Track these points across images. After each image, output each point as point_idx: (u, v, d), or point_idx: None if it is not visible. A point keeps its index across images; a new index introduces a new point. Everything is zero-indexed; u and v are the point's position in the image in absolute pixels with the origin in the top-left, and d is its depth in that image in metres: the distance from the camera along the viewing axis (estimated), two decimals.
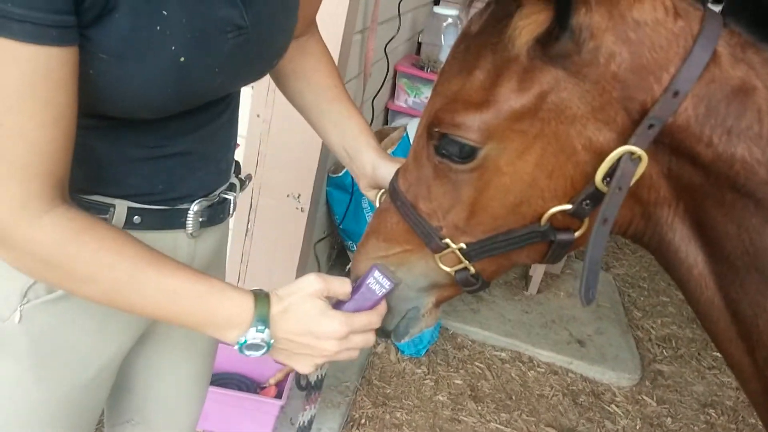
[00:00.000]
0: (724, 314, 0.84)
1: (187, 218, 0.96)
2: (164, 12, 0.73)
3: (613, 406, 2.77)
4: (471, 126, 0.77)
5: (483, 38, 0.78)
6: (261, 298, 0.81)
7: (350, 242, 2.73)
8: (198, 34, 0.77)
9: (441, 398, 2.58)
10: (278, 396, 2.08)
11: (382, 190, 1.07)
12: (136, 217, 0.90)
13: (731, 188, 0.76)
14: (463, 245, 0.86)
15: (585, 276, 0.81)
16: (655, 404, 2.82)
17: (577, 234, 0.82)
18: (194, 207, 0.97)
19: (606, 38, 0.72)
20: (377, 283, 0.88)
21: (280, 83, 1.17)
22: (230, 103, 1.00)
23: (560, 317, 3.23)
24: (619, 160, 0.75)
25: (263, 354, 0.82)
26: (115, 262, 0.75)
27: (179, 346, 1.18)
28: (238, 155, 1.15)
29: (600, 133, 0.76)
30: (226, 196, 1.05)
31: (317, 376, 1.20)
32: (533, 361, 2.92)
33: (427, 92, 3.27)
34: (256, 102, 2.06)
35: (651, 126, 0.74)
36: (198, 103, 0.89)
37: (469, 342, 2.95)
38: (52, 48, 0.65)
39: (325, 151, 2.18)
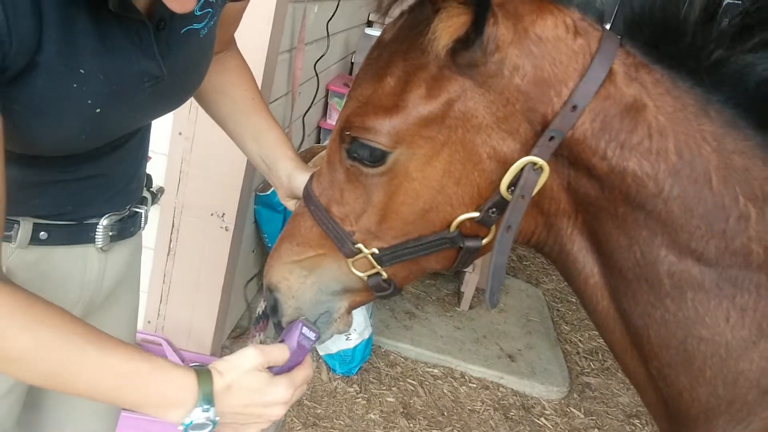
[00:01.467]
0: (618, 324, 0.87)
1: (96, 232, 0.96)
2: (81, 70, 0.75)
3: (542, 419, 2.82)
4: (380, 130, 0.79)
5: (395, 46, 0.80)
6: (203, 375, 0.80)
7: None
8: (115, 88, 0.79)
9: (373, 417, 2.56)
10: None
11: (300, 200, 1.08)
12: (42, 233, 0.90)
13: (624, 201, 0.79)
14: (375, 250, 0.86)
15: (490, 281, 0.83)
16: (582, 416, 2.89)
17: (484, 241, 0.85)
18: (103, 221, 0.96)
19: (510, 51, 0.75)
20: (305, 338, 0.91)
21: (199, 98, 1.17)
22: (140, 128, 1.00)
23: (491, 332, 3.28)
24: (522, 169, 0.78)
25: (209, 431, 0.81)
26: (54, 341, 0.71)
27: None
28: (160, 173, 1.15)
29: (504, 143, 0.78)
30: (137, 210, 1.05)
31: (259, 310, 1.22)
32: (465, 377, 2.95)
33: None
34: (178, 120, 2.02)
35: (552, 138, 0.77)
36: (109, 140, 0.90)
37: (402, 359, 2.95)
38: None
39: (251, 169, 2.16)
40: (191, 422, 0.78)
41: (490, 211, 0.81)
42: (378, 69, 0.81)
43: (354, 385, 2.70)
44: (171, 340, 2.09)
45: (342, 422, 2.49)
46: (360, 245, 0.87)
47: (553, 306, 3.73)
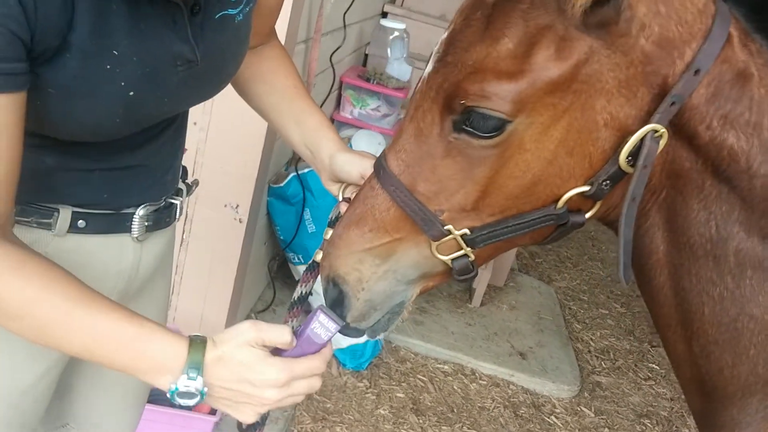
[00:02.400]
0: (671, 300, 0.87)
1: (133, 222, 0.97)
2: (115, 52, 0.75)
3: (552, 417, 2.79)
4: (503, 97, 0.73)
5: (509, 5, 0.74)
6: (196, 344, 0.78)
7: (292, 254, 2.69)
8: (148, 70, 0.79)
9: (382, 412, 2.55)
10: (212, 412, 2.01)
11: (345, 184, 1.05)
12: (80, 221, 0.91)
13: (713, 174, 0.78)
14: (466, 231, 0.81)
15: (622, 257, 0.80)
16: (593, 415, 2.87)
17: (587, 215, 0.82)
18: (140, 211, 0.97)
19: (640, 9, 0.72)
20: (322, 327, 0.83)
21: (239, 89, 1.16)
22: (176, 117, 1.00)
23: (503, 330, 3.25)
24: (643, 138, 0.74)
25: (198, 403, 0.79)
26: (41, 299, 0.74)
27: None
28: None
29: (622, 109, 0.75)
30: (173, 201, 1.06)
31: (300, 293, 1.14)
32: (475, 374, 2.93)
33: (373, 104, 3.27)
34: (193, 110, 2.00)
35: (673, 103, 0.74)
36: (144, 126, 0.90)
37: (412, 355, 2.93)
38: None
39: (266, 161, 2.14)
40: (176, 389, 0.77)
41: (604, 183, 0.77)
42: (489, 30, 0.75)
43: (364, 380, 2.69)
44: (182, 331, 2.08)
45: (351, 417, 2.48)
46: (449, 226, 0.80)
47: (565, 304, 3.70)
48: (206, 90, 0.94)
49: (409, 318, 3.07)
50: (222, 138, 2.03)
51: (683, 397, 3.29)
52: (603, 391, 3.05)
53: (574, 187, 0.78)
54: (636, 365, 3.30)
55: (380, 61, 3.40)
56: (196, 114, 2.02)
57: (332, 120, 3.36)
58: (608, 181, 0.78)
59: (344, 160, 1.02)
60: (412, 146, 0.82)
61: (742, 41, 0.76)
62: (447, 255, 0.83)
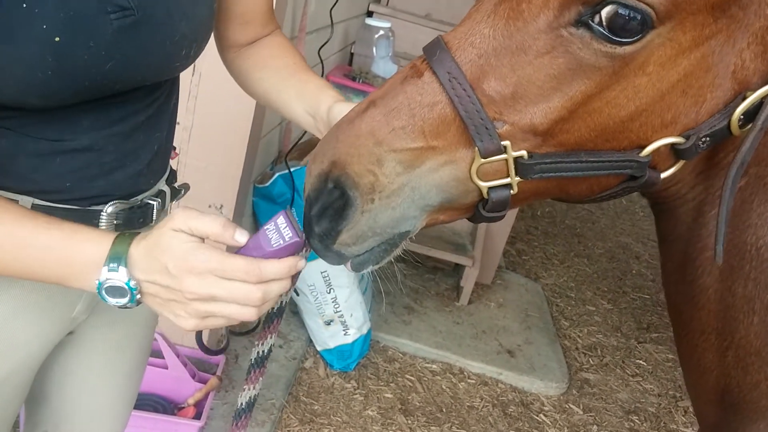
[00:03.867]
0: (713, 305, 0.80)
1: (100, 220, 0.91)
2: None
3: (541, 415, 2.79)
4: None
5: None
6: (122, 237, 0.74)
7: None
8: (72, 14, 0.73)
9: (370, 413, 2.53)
10: (197, 417, 1.98)
11: None
12: None
13: None
14: (524, 153, 0.66)
15: (722, 229, 0.70)
16: (581, 412, 2.87)
17: (663, 175, 0.71)
18: (108, 209, 0.91)
19: None
20: (277, 231, 0.70)
21: (241, 80, 1.12)
22: (151, 104, 0.94)
23: (491, 328, 3.25)
24: (765, 97, 0.65)
25: (129, 302, 0.74)
26: None
27: (100, 360, 1.12)
28: None
29: (752, 61, 0.65)
30: (150, 202, 0.99)
31: (272, 308, 1.02)
32: (464, 373, 2.92)
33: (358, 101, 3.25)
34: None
35: None
36: (95, 91, 0.83)
37: (400, 354, 2.92)
38: None
39: (250, 161, 2.12)
40: (99, 283, 0.72)
41: (703, 140, 0.67)
42: None
43: (351, 381, 2.67)
44: (166, 335, 2.05)
45: (339, 419, 2.46)
46: (507, 143, 0.66)
47: (552, 301, 3.71)
48: (155, 52, 0.86)
49: (396, 318, 3.06)
50: (206, 137, 2.00)
51: (670, 393, 3.30)
52: (591, 388, 3.06)
53: (670, 135, 0.67)
54: (623, 362, 3.31)
55: (366, 60, 3.39)
56: (180, 113, 1.98)
57: None
58: (708, 138, 0.67)
59: (342, 108, 0.93)
60: (494, 31, 0.65)
61: None
62: (486, 181, 0.68)
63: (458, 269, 3.51)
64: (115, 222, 0.93)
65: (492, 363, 2.96)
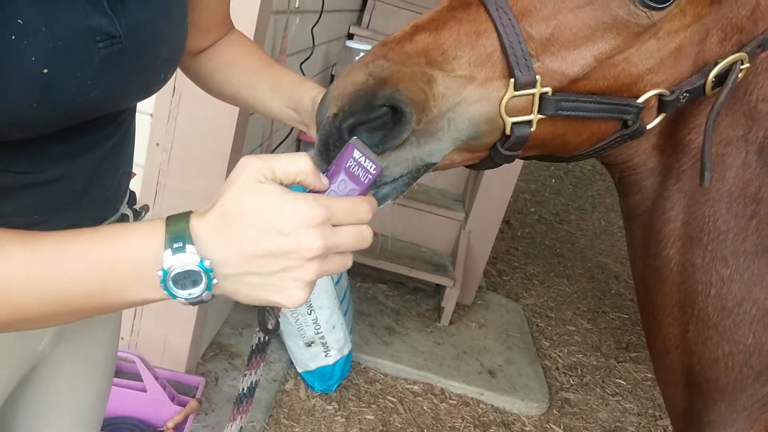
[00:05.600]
0: (675, 277, 0.86)
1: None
2: (19, 20, 0.66)
3: None
4: None
5: None
6: (175, 216, 0.60)
7: None
8: (61, 44, 0.71)
9: None
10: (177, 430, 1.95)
11: None
12: None
13: (760, 146, 0.81)
14: (548, 90, 0.71)
15: (706, 161, 0.78)
16: None
17: (648, 126, 0.80)
18: None
19: None
20: (359, 166, 0.62)
21: (206, 84, 1.10)
22: (119, 126, 0.93)
23: (472, 348, 3.25)
24: (734, 63, 0.77)
25: (205, 291, 0.58)
26: None
27: (64, 394, 1.08)
28: (136, 185, 1.07)
29: (721, 41, 0.78)
30: None
31: (259, 339, 0.96)
32: (445, 393, 2.91)
33: None
34: (155, 130, 1.97)
35: (760, 45, 0.78)
36: (76, 120, 0.81)
37: (381, 376, 2.91)
38: None
39: None
40: (164, 272, 0.57)
41: (684, 94, 0.78)
42: None
43: (333, 403, 2.65)
44: (145, 357, 2.02)
45: None
46: (538, 77, 0.70)
47: (532, 321, 3.73)
48: (139, 78, 0.85)
49: (377, 339, 3.05)
50: (185, 158, 2.00)
51: (650, 412, 3.31)
52: (571, 407, 3.06)
53: (660, 88, 0.77)
54: (603, 381, 3.32)
55: None
56: (159, 134, 1.99)
57: (298, 140, 3.35)
58: (687, 94, 0.78)
59: None
60: None
61: None
62: (512, 117, 0.71)
63: (439, 290, 3.51)
64: None
65: (473, 383, 2.96)
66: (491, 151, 0.75)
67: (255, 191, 0.58)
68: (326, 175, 0.63)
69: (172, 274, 0.57)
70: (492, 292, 3.90)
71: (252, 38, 1.92)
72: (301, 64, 2.71)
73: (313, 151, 0.67)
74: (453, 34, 0.68)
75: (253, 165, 0.59)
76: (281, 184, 0.60)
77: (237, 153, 2.07)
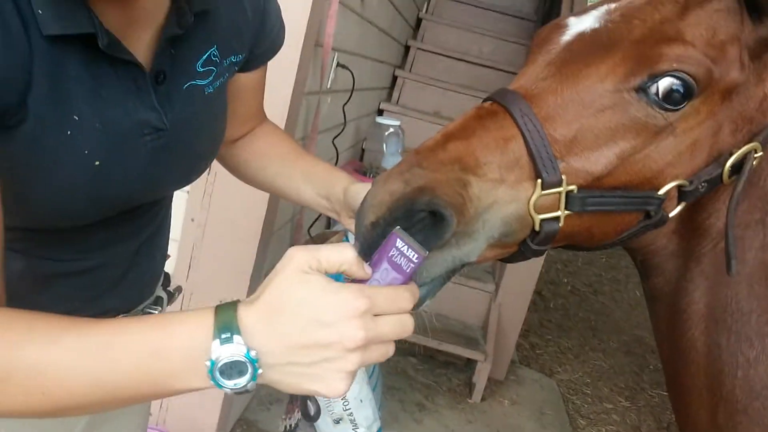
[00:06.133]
0: (701, 359, 0.87)
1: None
2: (75, 116, 0.71)
3: None
4: (702, 65, 0.76)
5: (704, 1, 0.79)
6: (223, 306, 0.61)
7: None
8: (113, 138, 0.75)
9: None
10: None
11: None
12: None
13: None
14: (574, 188, 0.75)
15: (731, 250, 0.80)
16: None
17: (670, 215, 0.83)
18: None
19: None
20: (402, 255, 0.63)
21: (241, 173, 1.15)
22: (157, 213, 0.97)
23: (505, 427, 3.14)
24: (748, 153, 0.82)
25: (250, 381, 0.59)
26: (22, 341, 0.58)
27: None
28: (170, 259, 1.10)
29: (733, 132, 0.83)
30: (150, 311, 0.99)
31: (286, 427, 0.94)
32: None
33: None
34: (191, 206, 2.04)
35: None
36: (118, 209, 0.84)
37: None
38: None
39: (262, 255, 2.15)
40: (212, 363, 0.58)
41: (703, 184, 0.81)
42: (688, 16, 0.78)
43: None
44: None
45: None
46: (564, 177, 0.74)
47: (568, 398, 3.60)
48: (180, 168, 0.89)
49: (407, 416, 2.97)
50: (219, 234, 2.04)
51: None
52: None
53: (679, 179, 0.80)
54: None
55: (376, 155, 3.49)
56: (194, 210, 2.05)
57: (328, 217, 3.40)
58: (705, 184, 0.82)
59: (359, 188, 0.94)
60: (561, 85, 0.77)
61: None
62: (539, 214, 0.74)
63: (470, 364, 3.44)
64: None
65: None
66: (521, 246, 0.78)
67: (300, 281, 0.59)
68: (369, 265, 0.64)
69: (219, 365, 0.58)
70: (525, 367, 3.79)
71: (285, 118, 1.99)
72: (334, 139, 2.79)
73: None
74: (483, 141, 0.73)
75: (299, 255, 0.61)
76: (326, 273, 0.62)
77: (268, 228, 2.11)
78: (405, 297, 0.63)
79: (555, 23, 0.86)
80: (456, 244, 0.70)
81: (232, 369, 0.58)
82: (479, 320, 3.59)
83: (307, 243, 2.58)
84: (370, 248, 0.66)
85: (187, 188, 2.03)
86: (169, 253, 1.10)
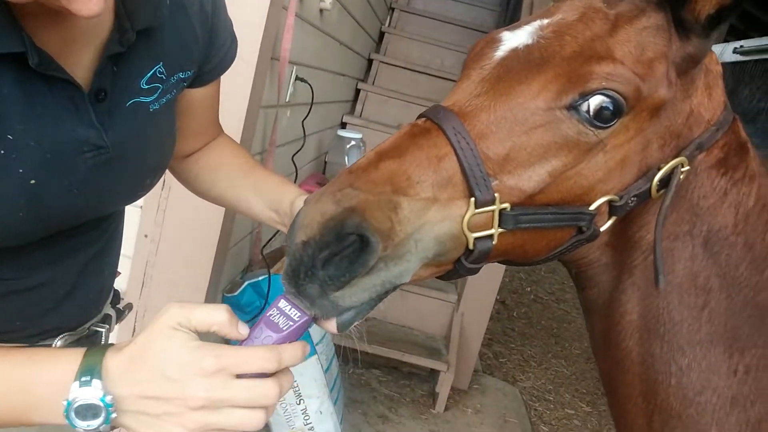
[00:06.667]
0: (636, 368, 0.88)
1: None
2: (9, 136, 0.70)
3: None
4: (632, 82, 0.77)
5: (632, 19, 0.81)
6: (95, 349, 0.65)
7: None
8: (50, 156, 0.74)
9: None
10: None
11: None
12: None
13: (704, 240, 0.86)
14: (507, 206, 0.75)
15: (659, 265, 0.83)
16: None
17: (602, 229, 0.84)
18: (57, 343, 0.89)
19: (701, 74, 0.86)
20: (282, 315, 0.64)
21: (192, 186, 1.14)
22: (105, 230, 0.96)
23: None
24: (675, 167, 0.83)
25: (102, 425, 0.62)
26: None
27: None
28: (123, 276, 1.08)
29: (660, 147, 0.84)
30: (98, 329, 0.98)
31: None
32: None
33: None
34: (144, 221, 2.02)
35: (697, 148, 0.85)
36: (62, 226, 0.83)
37: None
38: None
39: (217, 271, 2.14)
40: (68, 403, 0.61)
41: (632, 198, 0.83)
42: (617, 33, 0.80)
43: None
44: None
45: None
46: (497, 195, 0.74)
47: (530, 405, 3.64)
48: (125, 185, 0.89)
49: (370, 428, 2.97)
50: (173, 250, 2.03)
51: None
52: None
53: (610, 195, 0.82)
54: None
55: (339, 168, 3.51)
56: (148, 226, 2.03)
57: None
58: (635, 198, 0.83)
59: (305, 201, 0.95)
60: (494, 103, 0.77)
61: (740, 123, 0.90)
62: (473, 232, 0.74)
63: (434, 374, 3.46)
64: None
65: None
66: (456, 264, 0.78)
67: (166, 336, 0.63)
68: (252, 325, 0.66)
69: (75, 405, 0.62)
70: (488, 376, 3.83)
71: (241, 131, 2.00)
72: (293, 156, 2.80)
73: (282, 275, 0.70)
74: (415, 160, 0.72)
75: (172, 311, 0.64)
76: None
77: (224, 244, 2.10)
78: (264, 357, 0.63)
79: (489, 37, 0.86)
80: (385, 267, 0.69)
81: (87, 411, 0.62)
82: (442, 330, 3.62)
83: (260, 261, 2.56)
84: (300, 270, 0.66)
85: (140, 203, 2.01)
86: (120, 269, 1.09)
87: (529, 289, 5.60)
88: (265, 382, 0.63)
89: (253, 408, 0.63)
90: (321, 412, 2.56)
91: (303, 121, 2.93)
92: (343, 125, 4.25)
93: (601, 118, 0.77)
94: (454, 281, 3.79)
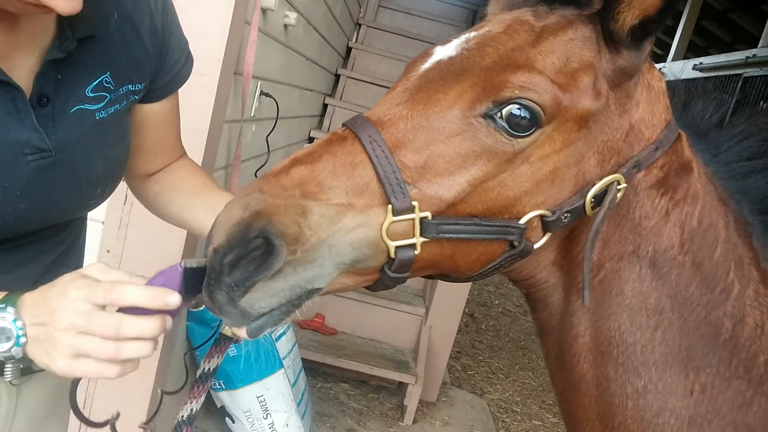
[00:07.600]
0: (591, 391, 0.87)
1: (5, 369, 0.84)
2: None
3: None
4: (548, 92, 0.76)
5: (559, 31, 0.81)
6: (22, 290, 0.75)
7: (212, 380, 2.59)
8: None
9: None
10: None
11: None
12: None
13: (651, 260, 0.86)
14: (428, 214, 0.74)
15: (586, 282, 0.84)
16: None
17: (536, 246, 0.82)
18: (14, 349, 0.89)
19: (639, 86, 0.85)
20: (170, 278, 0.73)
21: (152, 206, 1.15)
22: (62, 241, 0.96)
23: None
24: (610, 184, 0.82)
25: (14, 347, 0.72)
26: None
27: None
28: None
29: (597, 164, 0.83)
30: None
31: (203, 369, 1.02)
32: None
33: None
34: (106, 236, 2.00)
35: (635, 166, 0.84)
36: (8, 232, 0.84)
37: None
38: None
39: None
40: None
41: (565, 214, 0.82)
42: (540, 44, 0.80)
43: None
44: None
45: None
46: (415, 203, 0.74)
47: (498, 417, 3.66)
48: (72, 191, 0.89)
49: None
50: (135, 266, 2.01)
51: None
52: None
53: (540, 209, 0.81)
54: None
55: None
56: (110, 241, 2.01)
57: None
58: (569, 214, 0.82)
59: None
60: (412, 112, 0.77)
61: (686, 141, 0.90)
62: (394, 241, 0.74)
63: (402, 387, 3.46)
64: (21, 366, 0.87)
65: None
66: (380, 273, 0.77)
67: (71, 277, 0.72)
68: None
69: None
70: (456, 388, 3.85)
71: (204, 146, 1.99)
72: (256, 171, 2.80)
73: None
74: (328, 166, 0.73)
75: (95, 265, 0.74)
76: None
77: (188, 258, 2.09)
78: (139, 295, 0.70)
79: (424, 52, 0.87)
80: (294, 271, 0.69)
81: (2, 334, 0.71)
82: (410, 343, 3.63)
83: None
84: (212, 276, 0.69)
85: (102, 218, 1.99)
86: None
87: (497, 302, 5.66)
88: (133, 318, 0.71)
89: (123, 341, 0.70)
90: (288, 426, 2.54)
91: (267, 137, 2.94)
92: (311, 140, 4.26)
93: (517, 127, 0.76)
94: (422, 294, 3.82)
